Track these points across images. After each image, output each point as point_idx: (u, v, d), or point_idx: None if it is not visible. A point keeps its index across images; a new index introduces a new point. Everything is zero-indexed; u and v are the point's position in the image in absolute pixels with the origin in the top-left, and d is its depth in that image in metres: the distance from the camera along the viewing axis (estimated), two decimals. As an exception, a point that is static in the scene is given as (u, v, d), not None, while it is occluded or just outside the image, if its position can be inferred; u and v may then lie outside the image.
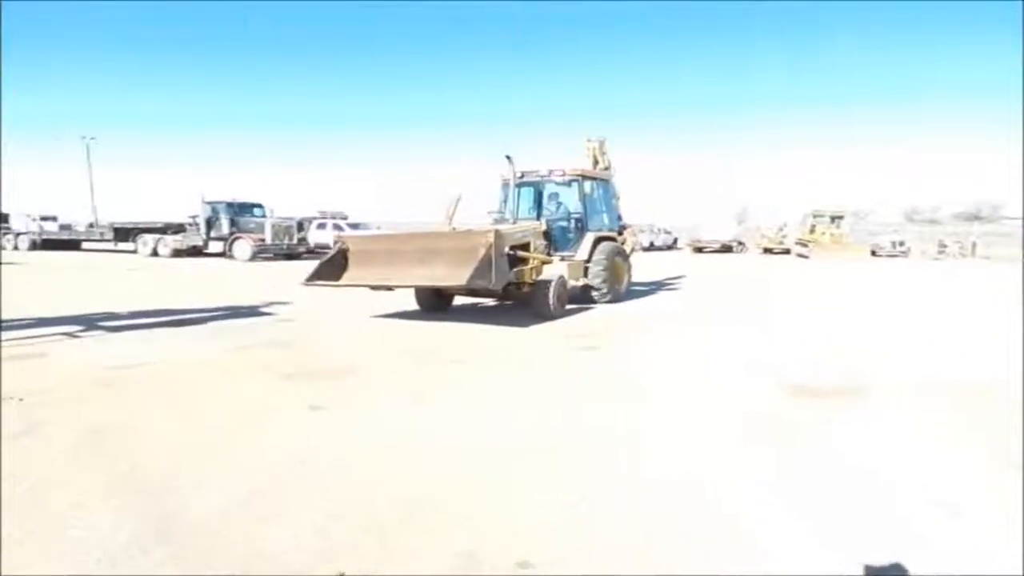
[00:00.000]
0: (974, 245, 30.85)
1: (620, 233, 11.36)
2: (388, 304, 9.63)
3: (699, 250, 32.77)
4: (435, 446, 3.61)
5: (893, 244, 30.77)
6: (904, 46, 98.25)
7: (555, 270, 9.21)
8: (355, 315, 8.86)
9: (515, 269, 8.52)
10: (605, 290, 10.05)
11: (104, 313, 8.59)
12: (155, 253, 23.81)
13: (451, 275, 7.77)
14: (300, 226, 23.73)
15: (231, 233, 22.34)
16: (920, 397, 4.81)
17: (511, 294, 8.95)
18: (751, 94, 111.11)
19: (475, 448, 3.57)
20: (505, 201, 10.71)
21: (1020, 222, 48.70)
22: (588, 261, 10.04)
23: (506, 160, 10.17)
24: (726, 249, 32.98)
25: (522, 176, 10.42)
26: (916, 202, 66.96)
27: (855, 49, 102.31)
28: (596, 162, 12.27)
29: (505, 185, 10.69)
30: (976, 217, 54.41)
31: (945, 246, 31.19)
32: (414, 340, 7.05)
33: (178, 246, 23.48)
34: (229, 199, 23.36)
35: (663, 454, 3.51)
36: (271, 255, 22.44)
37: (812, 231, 31.09)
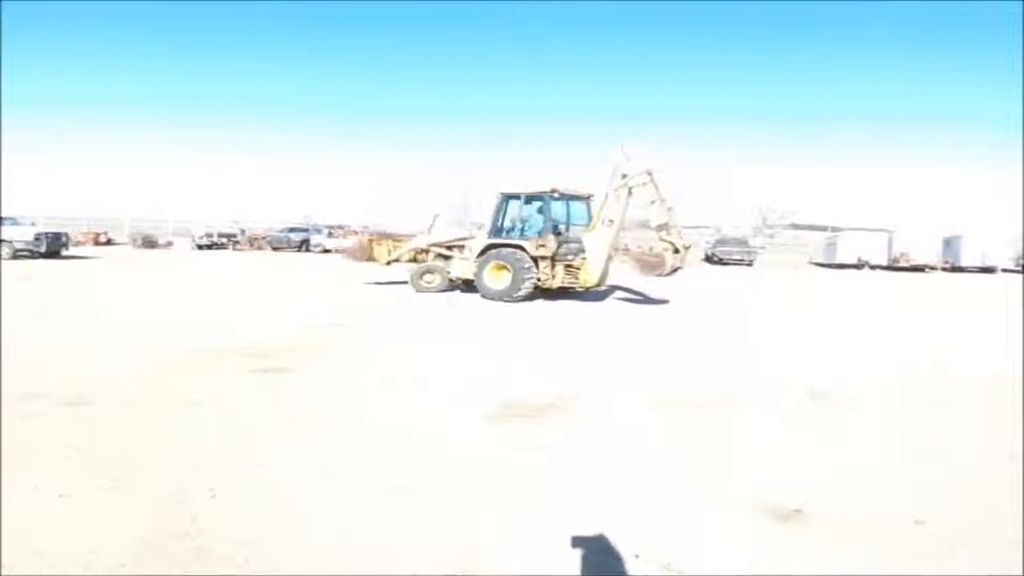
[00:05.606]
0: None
1: (544, 244, 12.29)
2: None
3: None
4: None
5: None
6: (642, 67, 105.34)
7: (456, 265, 13.71)
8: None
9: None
10: (478, 286, 12.76)
11: None
12: None
13: None
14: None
15: None
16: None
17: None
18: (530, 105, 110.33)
19: None
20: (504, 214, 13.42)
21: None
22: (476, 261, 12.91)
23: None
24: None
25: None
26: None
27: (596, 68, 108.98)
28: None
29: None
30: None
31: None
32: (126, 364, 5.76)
33: None
34: None
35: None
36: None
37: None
